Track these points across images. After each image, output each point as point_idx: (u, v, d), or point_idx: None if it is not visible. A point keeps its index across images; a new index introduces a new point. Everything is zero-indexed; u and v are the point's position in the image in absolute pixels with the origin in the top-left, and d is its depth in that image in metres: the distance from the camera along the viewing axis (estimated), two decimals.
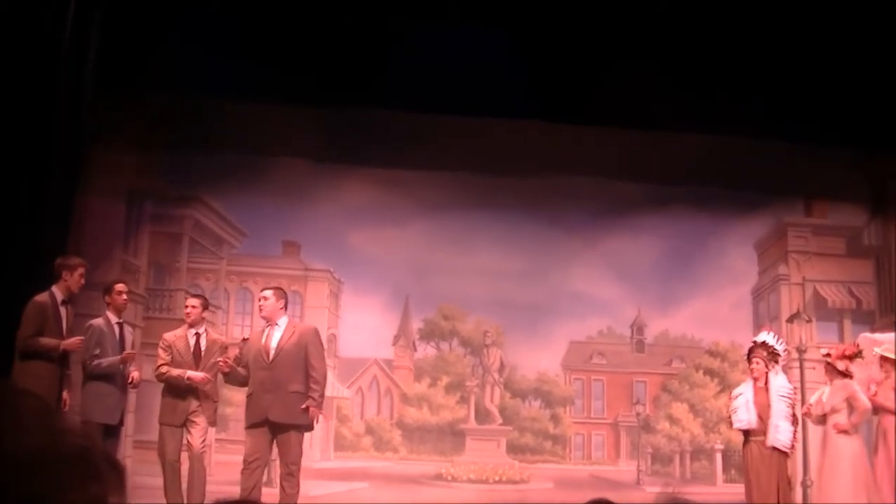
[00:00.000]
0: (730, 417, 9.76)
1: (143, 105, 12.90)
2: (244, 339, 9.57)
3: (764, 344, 9.71)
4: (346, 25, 11.76)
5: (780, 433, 9.31)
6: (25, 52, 10.31)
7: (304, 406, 8.77)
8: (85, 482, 1.13)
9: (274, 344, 8.97)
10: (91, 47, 11.24)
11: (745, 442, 9.54)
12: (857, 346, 10.31)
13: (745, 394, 9.56)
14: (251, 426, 8.97)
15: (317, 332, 9.40)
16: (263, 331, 9.17)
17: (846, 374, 9.94)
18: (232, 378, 9.22)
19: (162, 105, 12.98)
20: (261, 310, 9.27)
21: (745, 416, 9.46)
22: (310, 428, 9.05)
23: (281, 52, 11.73)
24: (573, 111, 12.59)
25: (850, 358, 10.10)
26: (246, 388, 9.18)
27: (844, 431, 9.74)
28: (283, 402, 8.81)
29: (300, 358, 8.92)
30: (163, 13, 11.55)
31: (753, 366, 9.62)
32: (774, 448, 9.30)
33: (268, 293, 9.29)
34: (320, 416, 9.37)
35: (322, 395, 8.99)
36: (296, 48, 11.76)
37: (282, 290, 9.54)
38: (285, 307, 9.29)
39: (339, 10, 11.69)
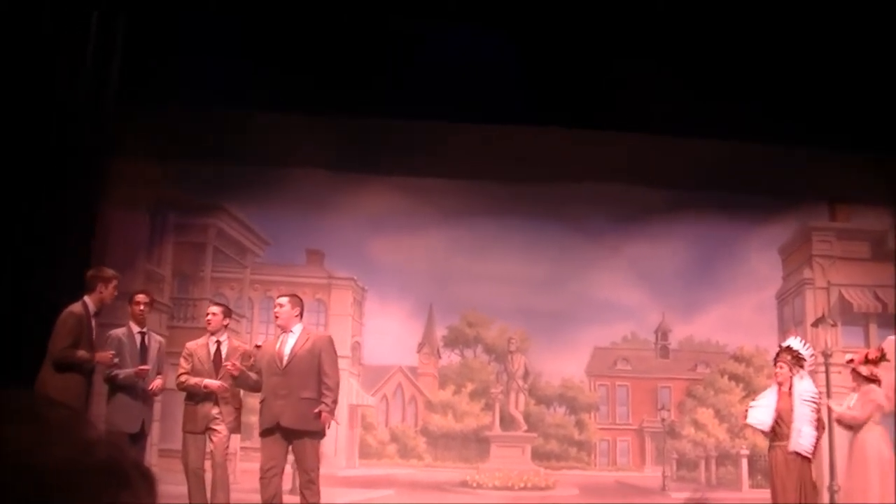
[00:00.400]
0: (745, 412, 9.73)
1: (165, 117, 12.96)
2: (257, 346, 9.62)
3: (788, 349, 9.68)
4: (364, 34, 11.79)
5: (803, 438, 9.26)
6: (49, 66, 10.38)
7: (316, 411, 8.78)
8: (116, 493, 1.14)
9: (287, 350, 9.00)
10: (113, 60, 11.31)
11: (770, 447, 9.51)
12: (881, 349, 10.24)
13: (768, 398, 9.54)
14: (264, 432, 9.01)
15: (331, 341, 9.40)
16: (278, 338, 9.22)
17: (872, 379, 9.89)
18: (241, 382, 9.25)
19: (183, 116, 13.05)
20: (276, 317, 9.30)
21: (760, 415, 9.43)
22: (322, 434, 9.04)
23: (300, 63, 11.77)
24: (594, 117, 12.58)
25: (875, 362, 10.04)
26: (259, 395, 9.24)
27: (848, 424, 9.80)
28: (294, 407, 8.82)
29: (313, 365, 8.93)
30: (184, 26, 11.61)
31: (777, 370, 9.59)
32: (797, 453, 9.26)
33: (283, 300, 9.32)
34: (333, 422, 9.35)
35: (335, 402, 8.96)
36: (316, 59, 11.80)
37: (298, 297, 9.54)
38: (301, 315, 9.30)
39: (359, 21, 11.72)
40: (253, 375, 9.14)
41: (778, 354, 9.73)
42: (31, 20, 10.26)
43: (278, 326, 9.28)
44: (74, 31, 10.71)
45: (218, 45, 11.47)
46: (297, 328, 9.17)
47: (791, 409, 9.33)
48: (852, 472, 9.87)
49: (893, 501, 9.55)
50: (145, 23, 11.48)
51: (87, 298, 8.94)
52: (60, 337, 8.67)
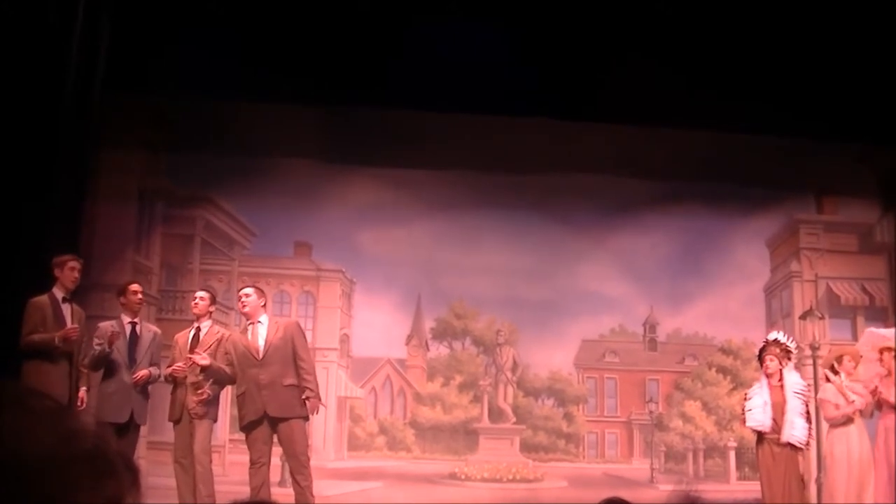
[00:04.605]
0: (743, 414, 9.70)
1: (152, 107, 12.96)
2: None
3: (776, 342, 9.70)
4: (351, 24, 11.78)
5: (796, 429, 9.27)
6: (34, 55, 10.34)
7: (304, 397, 8.93)
8: (100, 483, 1.13)
9: (262, 341, 9.11)
10: (99, 50, 11.28)
11: (760, 441, 9.48)
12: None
13: (760, 394, 9.49)
14: (250, 425, 9.05)
15: (299, 325, 9.69)
16: (246, 329, 9.28)
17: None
18: (213, 374, 9.21)
19: (171, 107, 13.04)
20: (242, 306, 9.37)
21: (760, 417, 9.38)
22: (307, 417, 9.13)
23: (288, 53, 11.77)
24: (582, 108, 12.60)
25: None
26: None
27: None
28: (278, 396, 8.96)
29: (288, 352, 9.07)
30: (170, 15, 11.58)
31: (768, 363, 9.58)
32: (790, 445, 9.27)
33: (249, 290, 9.47)
34: (322, 407, 9.47)
35: (317, 385, 9.13)
36: (304, 49, 11.79)
37: (260, 289, 9.81)
38: (266, 305, 9.48)
39: (343, 8, 11.71)
40: (226, 368, 9.16)
41: (765, 348, 9.73)
42: (16, 10, 10.21)
43: (244, 314, 9.38)
44: (60, 19, 10.66)
45: (206, 35, 11.44)
46: (264, 318, 9.30)
47: (784, 402, 9.33)
48: (828, 466, 10.04)
49: (856, 495, 9.77)
50: (132, 12, 11.45)
51: (54, 287, 9.00)
52: (23, 326, 8.76)
